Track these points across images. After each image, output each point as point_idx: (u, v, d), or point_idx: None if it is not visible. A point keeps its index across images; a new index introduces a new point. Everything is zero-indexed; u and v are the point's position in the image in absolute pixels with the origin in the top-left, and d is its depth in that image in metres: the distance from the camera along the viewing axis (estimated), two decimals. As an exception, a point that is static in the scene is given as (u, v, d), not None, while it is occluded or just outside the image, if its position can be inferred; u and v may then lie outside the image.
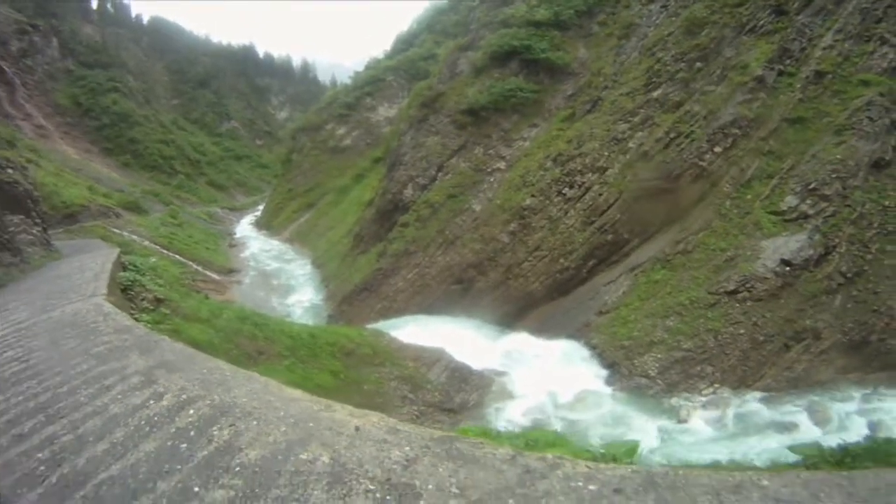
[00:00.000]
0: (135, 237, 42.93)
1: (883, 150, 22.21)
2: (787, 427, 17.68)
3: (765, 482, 3.07)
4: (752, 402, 18.99)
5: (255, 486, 3.16)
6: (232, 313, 16.49)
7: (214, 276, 41.30)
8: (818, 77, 24.72)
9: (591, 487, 3.03)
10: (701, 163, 23.83)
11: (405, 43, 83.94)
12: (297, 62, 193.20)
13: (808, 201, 21.35)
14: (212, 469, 3.39)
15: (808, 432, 17.56)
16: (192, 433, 3.98)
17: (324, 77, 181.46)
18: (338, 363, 16.74)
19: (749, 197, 22.58)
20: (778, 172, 22.64)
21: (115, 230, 42.59)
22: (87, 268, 14.68)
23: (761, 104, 24.20)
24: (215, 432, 3.92)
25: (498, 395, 19.15)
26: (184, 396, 4.72)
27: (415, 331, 23.74)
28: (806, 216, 21.18)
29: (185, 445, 3.77)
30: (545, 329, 24.31)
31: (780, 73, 25.09)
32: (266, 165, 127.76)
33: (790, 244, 20.67)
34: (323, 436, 3.66)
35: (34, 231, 19.60)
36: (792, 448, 7.49)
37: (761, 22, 26.92)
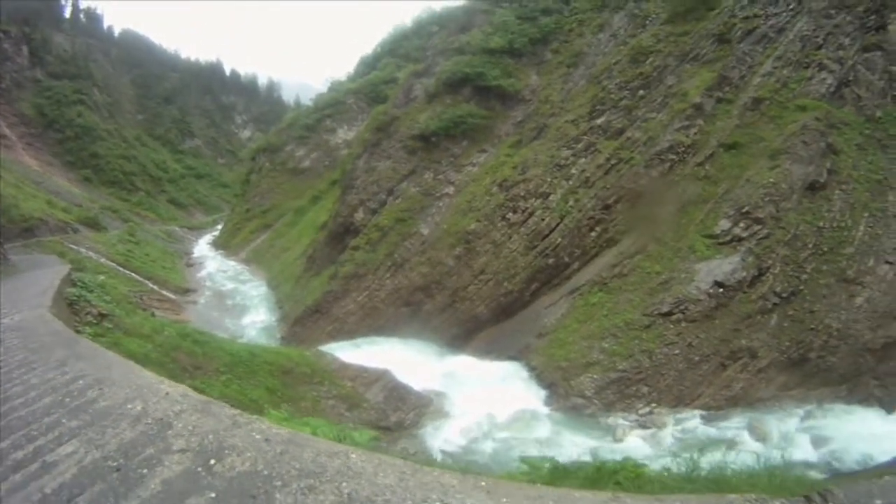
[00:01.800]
0: (91, 254, 42.27)
1: (818, 173, 22.93)
2: (726, 444, 17.90)
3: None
4: (691, 421, 19.32)
5: (98, 420, 4.98)
6: (173, 330, 17.04)
7: (170, 295, 40.65)
8: (756, 103, 25.56)
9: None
10: (637, 188, 24.42)
11: (368, 66, 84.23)
12: (263, 81, 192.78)
13: (741, 224, 21.94)
14: (77, 412, 5.24)
15: (749, 448, 18.06)
16: (75, 393, 5.83)
17: (289, 97, 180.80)
18: (275, 381, 16.93)
19: (684, 221, 23.16)
20: (713, 197, 23.27)
21: (73, 246, 41.90)
22: (37, 283, 16.20)
23: (698, 130, 24.95)
24: (89, 393, 5.81)
25: (435, 414, 19.31)
26: (79, 373, 6.61)
27: (364, 353, 23.95)
28: (739, 239, 21.74)
29: (68, 399, 5.65)
30: (491, 351, 24.54)
31: (719, 101, 25.91)
32: (227, 185, 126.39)
33: (723, 266, 21.20)
34: (145, 396, 5.57)
35: (-7, 246, 20.08)
36: (522, 459, 7.49)
37: (704, 50, 27.85)
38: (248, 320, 36.63)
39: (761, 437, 18.26)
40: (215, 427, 4.64)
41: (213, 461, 3.97)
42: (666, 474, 6.30)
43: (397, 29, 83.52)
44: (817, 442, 17.96)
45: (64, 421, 5.04)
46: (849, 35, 26.91)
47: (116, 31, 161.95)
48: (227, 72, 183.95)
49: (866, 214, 22.74)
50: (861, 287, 21.47)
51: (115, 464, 4.00)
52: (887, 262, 21.99)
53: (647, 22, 31.33)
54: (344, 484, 3.60)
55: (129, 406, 5.31)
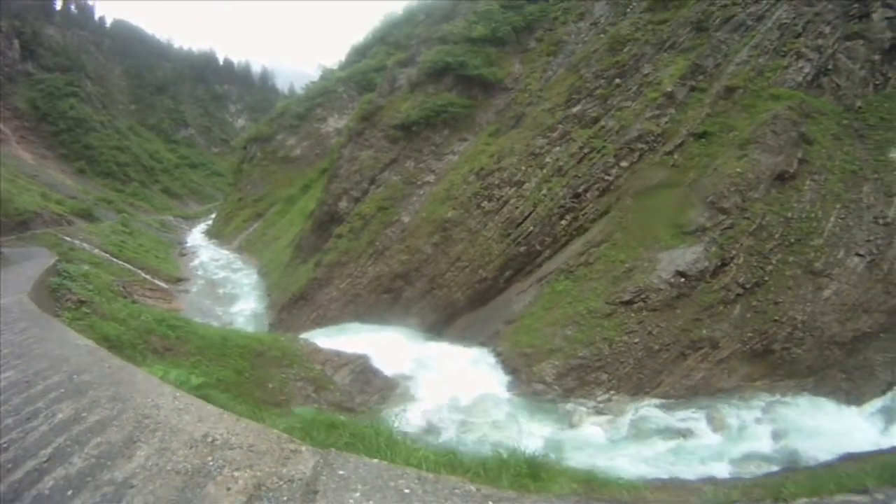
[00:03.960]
0: (85, 245, 42.94)
1: (787, 164, 23.08)
2: (682, 433, 18.25)
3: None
4: (649, 409, 19.67)
5: (31, 360, 6.81)
6: (150, 316, 17.91)
7: (163, 284, 41.14)
8: (728, 92, 25.72)
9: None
10: (607, 177, 24.77)
11: (358, 54, 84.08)
12: (257, 69, 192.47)
13: (706, 214, 22.17)
14: (19, 356, 7.06)
15: (705, 438, 18.27)
16: (23, 345, 7.60)
17: (283, 85, 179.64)
18: (245, 363, 17.53)
19: (650, 210, 23.44)
20: (680, 186, 23.50)
21: (67, 238, 42.53)
22: (24, 273, 17.92)
23: (669, 119, 25.21)
24: (31, 345, 7.46)
25: (400, 398, 19.88)
26: (30, 336, 8.33)
27: (345, 339, 24.34)
28: (704, 229, 21.96)
29: (17, 349, 7.34)
30: (466, 337, 24.98)
31: (692, 89, 26.11)
32: (221, 174, 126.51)
33: (686, 256, 21.47)
34: (64, 346, 7.50)
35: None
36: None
37: (681, 39, 28.02)
38: (237, 308, 37.16)
39: (719, 428, 18.58)
40: (93, 361, 6.77)
41: (75, 376, 6.07)
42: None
43: (388, 17, 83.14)
44: (777, 434, 18.28)
45: (10, 360, 6.92)
46: (830, 23, 27.08)
47: (108, 22, 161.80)
48: (221, 61, 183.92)
49: (838, 206, 22.90)
50: (829, 279, 21.72)
51: (27, 379, 6.04)
52: (858, 255, 22.21)
53: (628, 10, 31.40)
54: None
55: (51, 352, 7.28)
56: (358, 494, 3.13)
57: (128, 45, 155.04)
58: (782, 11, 27.46)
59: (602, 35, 30.69)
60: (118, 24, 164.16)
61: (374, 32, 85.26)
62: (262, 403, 12.92)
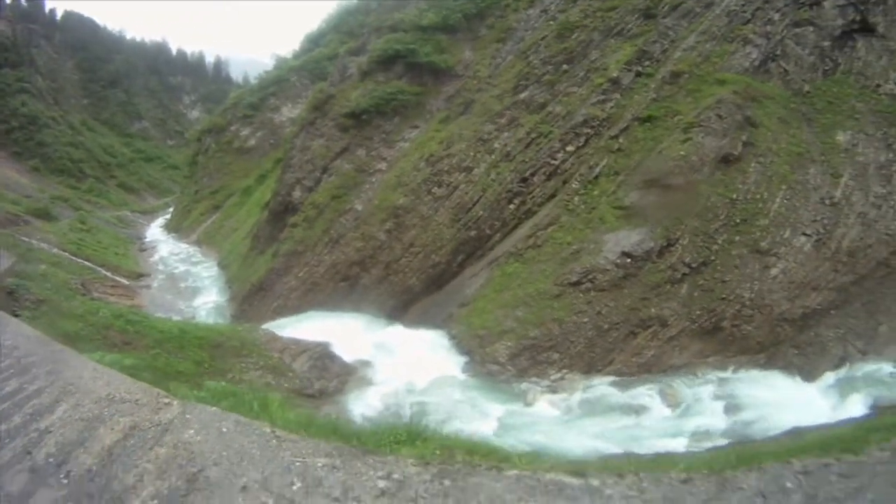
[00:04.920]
0: (44, 245, 41.76)
1: (732, 146, 23.53)
2: (635, 409, 18.70)
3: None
4: (602, 387, 20.08)
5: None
6: (108, 312, 18.69)
7: (124, 280, 40.48)
8: (674, 77, 26.09)
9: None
10: (553, 161, 25.17)
11: (312, 42, 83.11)
12: (210, 59, 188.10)
13: (650, 196, 22.66)
14: None
15: (659, 414, 18.73)
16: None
17: (237, 74, 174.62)
18: (204, 354, 17.93)
19: (596, 193, 23.88)
20: (625, 169, 23.97)
21: (24, 238, 41.31)
22: None
23: (615, 104, 25.64)
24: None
25: (359, 382, 20.21)
26: None
27: (305, 328, 24.59)
28: (648, 210, 22.47)
29: None
30: (423, 321, 25.23)
31: (638, 75, 26.54)
32: (177, 166, 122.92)
33: (631, 237, 21.94)
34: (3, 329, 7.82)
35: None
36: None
37: (629, 25, 28.39)
38: (199, 301, 36.95)
39: (673, 404, 19.00)
40: (39, 347, 7.26)
41: (23, 359, 6.55)
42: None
43: (343, 5, 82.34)
44: (730, 409, 18.62)
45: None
46: (779, 10, 27.61)
47: (59, 14, 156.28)
48: (174, 51, 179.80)
49: (784, 187, 23.49)
50: (776, 258, 22.31)
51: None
52: (804, 234, 22.86)
53: (579, -3, 31.76)
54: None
55: (5, 342, 7.37)
56: (192, 431, 4.20)
57: (80, 38, 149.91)
58: None
59: (552, 22, 30.90)
60: (69, 16, 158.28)
61: (328, 20, 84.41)
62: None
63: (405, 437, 5.13)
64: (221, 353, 18.43)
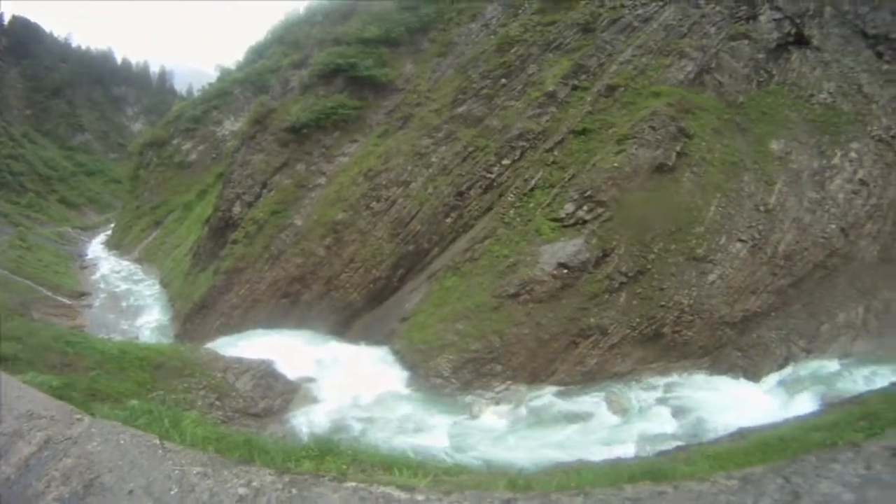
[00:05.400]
0: (-20, 264, 40.89)
1: (665, 157, 24.01)
2: (581, 417, 18.85)
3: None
4: (547, 396, 20.25)
5: None
6: (48, 333, 18.61)
7: (65, 300, 39.40)
8: (610, 90, 26.54)
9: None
10: (489, 175, 25.35)
11: (256, 54, 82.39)
12: (155, 69, 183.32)
13: (585, 207, 22.90)
14: None
15: (606, 421, 18.86)
16: None
17: (181, 86, 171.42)
18: (146, 375, 17.55)
19: (531, 205, 24.08)
20: (559, 181, 24.21)
21: None
22: None
23: (551, 118, 25.95)
24: None
25: (303, 400, 19.92)
26: None
27: (248, 346, 24.31)
28: (583, 221, 22.70)
29: None
30: (365, 336, 25.09)
31: (574, 88, 26.91)
32: (119, 181, 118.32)
33: (567, 248, 22.13)
34: None
35: None
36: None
37: (567, 40, 28.78)
38: (142, 321, 36.19)
39: (619, 410, 19.23)
40: None
41: None
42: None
43: (289, 16, 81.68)
44: (677, 413, 18.95)
45: None
46: (716, 24, 28.39)
47: (6, 20, 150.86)
48: (119, 60, 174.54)
49: (719, 195, 24.10)
50: (713, 264, 22.87)
51: None
52: (740, 240, 23.51)
53: (520, 12, 32.06)
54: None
55: None
56: (95, 443, 4.37)
57: (25, 44, 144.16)
58: (669, 13, 28.65)
59: (492, 36, 31.21)
60: (16, 22, 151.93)
61: (273, 32, 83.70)
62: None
63: (316, 452, 5.51)
64: (163, 373, 18.14)
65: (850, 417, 8.75)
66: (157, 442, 4.72)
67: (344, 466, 5.18)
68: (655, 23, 28.45)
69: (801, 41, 29.06)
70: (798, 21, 28.79)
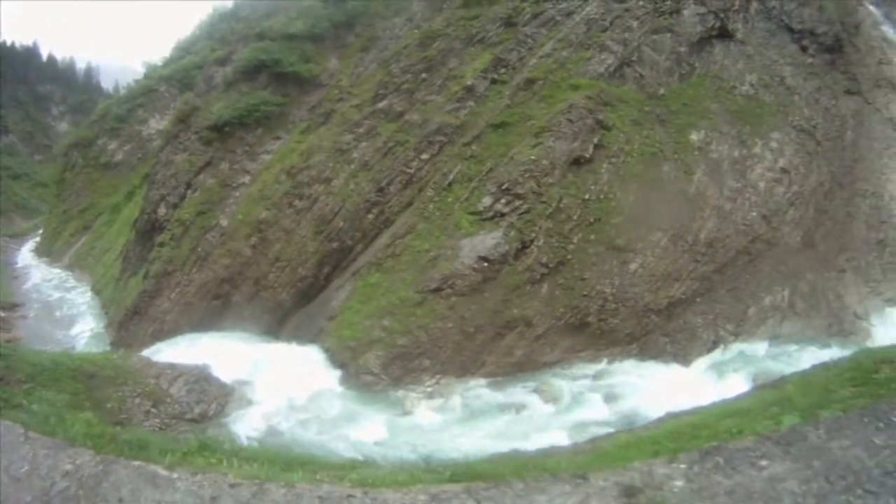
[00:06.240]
0: None
1: (583, 149, 24.19)
2: (514, 408, 19.19)
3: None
4: (479, 388, 20.51)
5: None
6: None
7: (-1, 312, 38.41)
8: (528, 84, 26.61)
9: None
10: (408, 170, 25.45)
11: (183, 50, 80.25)
12: (81, 66, 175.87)
13: (503, 200, 23.05)
14: None
15: (539, 410, 19.21)
16: None
17: (108, 83, 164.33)
18: (80, 385, 17.16)
19: (450, 200, 24.19)
20: (478, 175, 24.36)
21: None
22: None
23: (469, 112, 26.13)
24: None
25: (239, 402, 19.77)
26: None
27: (183, 350, 24.04)
28: (501, 214, 22.83)
29: None
30: (297, 335, 24.89)
31: (494, 82, 27.04)
32: (46, 184, 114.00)
33: (486, 241, 22.28)
34: None
35: None
36: None
37: (490, 33, 28.92)
38: (77, 330, 35.57)
39: (550, 399, 19.58)
40: None
41: None
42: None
43: (217, 10, 79.79)
44: (609, 399, 19.35)
45: None
46: (638, 18, 28.59)
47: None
48: (44, 57, 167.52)
49: (638, 185, 24.42)
50: (634, 253, 23.28)
51: None
52: (660, 230, 23.93)
53: (444, 6, 32.18)
54: None
55: None
56: None
57: None
58: (592, 7, 28.88)
59: (416, 31, 31.26)
60: None
61: (201, 27, 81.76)
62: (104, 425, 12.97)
63: (196, 448, 6.26)
64: (97, 383, 17.76)
65: (763, 403, 8.83)
66: (22, 431, 5.84)
67: (213, 461, 5.86)
68: (578, 17, 28.70)
69: (725, 35, 29.70)
70: (723, 15, 29.36)
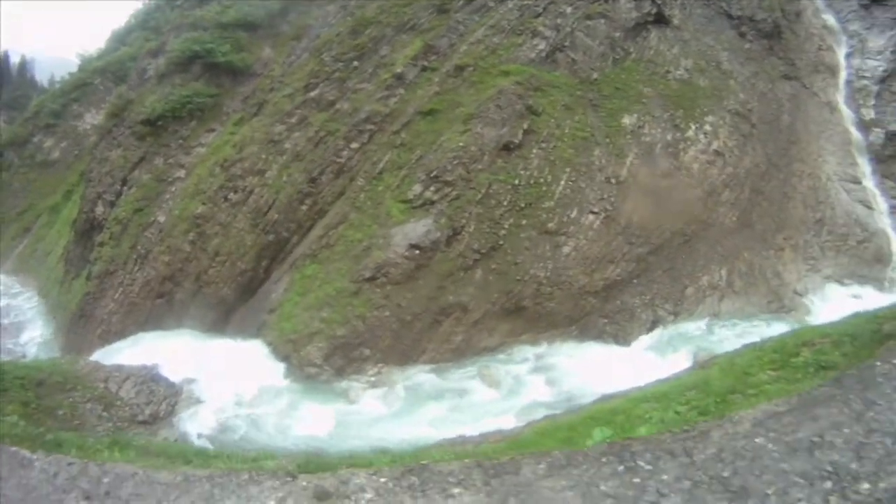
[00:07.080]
0: None
1: (512, 134, 24.46)
2: (458, 393, 19.70)
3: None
4: (421, 375, 20.95)
5: None
6: None
7: (-50, 325, 37.36)
8: (458, 70, 26.68)
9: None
10: (339, 159, 25.48)
11: (118, 41, 77.93)
12: (15, 60, 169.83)
13: (432, 188, 23.36)
14: None
15: (482, 395, 19.71)
16: None
17: (43, 77, 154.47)
18: (30, 393, 16.89)
19: (381, 188, 24.38)
20: (407, 163, 24.56)
21: None
22: None
23: (399, 99, 26.19)
24: None
25: (188, 401, 19.91)
26: None
27: (131, 351, 23.76)
28: (431, 202, 23.13)
29: None
30: (242, 331, 24.88)
31: (423, 69, 27.04)
32: None
33: (417, 229, 22.59)
34: None
35: None
36: None
37: (422, 20, 28.77)
38: (26, 337, 34.89)
39: (493, 384, 20.07)
40: None
41: None
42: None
43: (151, -1, 77.61)
44: (551, 381, 19.96)
45: None
46: (572, 4, 28.68)
47: None
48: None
49: (568, 170, 24.80)
50: (566, 237, 23.74)
51: None
52: (592, 213, 24.44)
53: (379, -7, 31.92)
54: None
55: None
56: None
57: None
58: None
59: (349, 18, 30.93)
60: None
61: (136, 16, 79.48)
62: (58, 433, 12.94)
63: (108, 444, 7.00)
64: (47, 390, 17.51)
65: (682, 387, 9.16)
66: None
67: (118, 454, 6.64)
68: (511, 3, 28.61)
69: (662, 21, 30.06)
70: (659, 2, 29.73)
